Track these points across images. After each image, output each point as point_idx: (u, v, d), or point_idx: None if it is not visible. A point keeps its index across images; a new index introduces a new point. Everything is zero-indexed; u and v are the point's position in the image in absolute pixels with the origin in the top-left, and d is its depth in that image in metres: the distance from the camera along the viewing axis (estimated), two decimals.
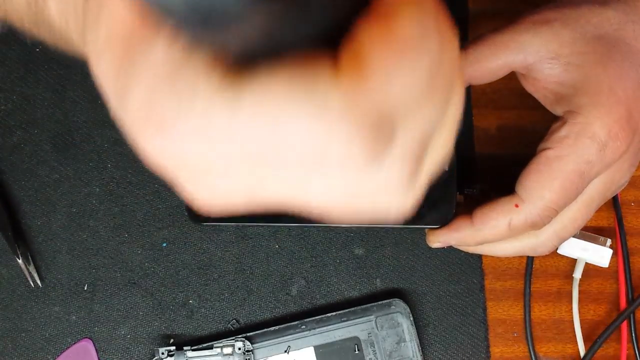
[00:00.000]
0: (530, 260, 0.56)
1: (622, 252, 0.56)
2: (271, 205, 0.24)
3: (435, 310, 0.57)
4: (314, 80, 0.21)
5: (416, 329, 0.55)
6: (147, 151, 0.22)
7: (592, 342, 0.55)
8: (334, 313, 0.55)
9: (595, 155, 0.43)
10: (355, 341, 0.54)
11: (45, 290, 0.56)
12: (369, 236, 0.57)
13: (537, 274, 0.57)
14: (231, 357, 0.54)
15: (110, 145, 0.58)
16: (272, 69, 0.21)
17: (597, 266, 0.56)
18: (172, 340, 0.56)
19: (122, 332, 0.56)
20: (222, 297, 0.57)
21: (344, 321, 0.55)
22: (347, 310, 0.55)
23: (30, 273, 0.56)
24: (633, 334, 0.55)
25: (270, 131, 0.21)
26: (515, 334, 0.56)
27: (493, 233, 0.47)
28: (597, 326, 0.56)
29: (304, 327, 0.55)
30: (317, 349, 0.54)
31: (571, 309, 0.56)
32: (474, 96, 0.58)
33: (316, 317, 0.55)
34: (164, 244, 0.57)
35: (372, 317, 0.55)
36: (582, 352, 0.55)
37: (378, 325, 0.55)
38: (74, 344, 0.56)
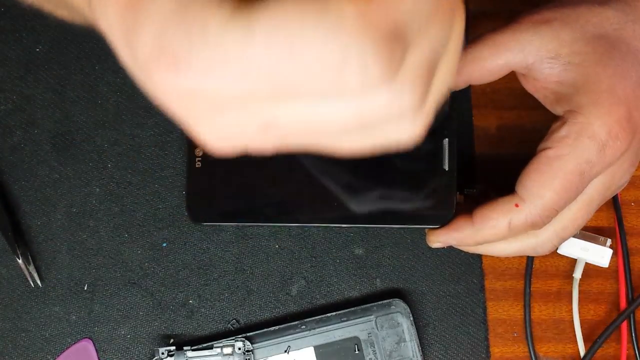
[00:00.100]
0: (530, 260, 0.56)
1: (622, 252, 0.56)
2: (285, 140, 0.24)
3: (435, 310, 0.57)
4: (327, 2, 0.21)
5: (416, 329, 0.55)
6: (161, 90, 0.22)
7: (592, 342, 0.55)
8: (334, 313, 0.55)
9: (595, 154, 0.43)
10: (355, 341, 0.54)
11: (45, 290, 0.56)
12: (369, 236, 0.57)
13: (537, 274, 0.57)
14: (231, 357, 0.54)
15: (110, 145, 0.58)
16: None
17: (597, 266, 0.56)
18: (172, 340, 0.56)
19: (122, 332, 0.56)
20: (222, 297, 0.57)
21: (344, 321, 0.55)
22: (347, 310, 0.55)
23: (30, 273, 0.56)
24: (633, 334, 0.55)
25: (286, 56, 0.21)
26: (515, 334, 0.56)
27: (493, 233, 0.47)
28: (597, 326, 0.56)
29: (304, 327, 0.55)
30: (317, 349, 0.54)
31: (571, 309, 0.56)
32: (474, 96, 0.58)
33: (316, 317, 0.55)
34: (164, 244, 0.57)
35: (372, 317, 0.55)
36: (582, 352, 0.55)
37: (378, 325, 0.55)
38: (74, 344, 0.56)
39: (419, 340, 0.55)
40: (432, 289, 0.57)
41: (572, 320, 0.56)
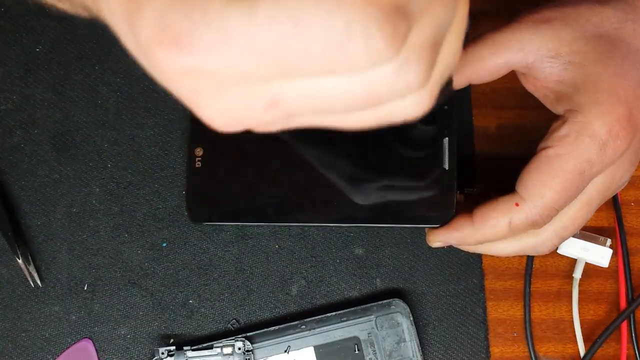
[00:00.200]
0: (530, 260, 0.56)
1: (622, 252, 0.56)
2: (291, 116, 0.24)
3: (435, 310, 0.57)
4: None
5: (416, 329, 0.54)
6: (163, 70, 0.22)
7: (592, 342, 0.55)
8: (334, 313, 0.55)
9: (595, 154, 0.43)
10: (355, 341, 0.54)
11: (45, 290, 0.56)
12: (369, 236, 0.57)
13: (537, 274, 0.57)
14: (231, 357, 0.54)
15: (110, 145, 0.58)
16: None
17: (597, 266, 0.56)
18: (172, 340, 0.56)
19: (122, 332, 0.56)
20: (222, 297, 0.57)
21: (344, 321, 0.55)
22: (347, 310, 0.55)
23: (30, 273, 0.56)
24: (633, 334, 0.55)
25: (290, 33, 0.21)
26: (515, 334, 0.56)
27: (493, 232, 0.47)
28: (597, 326, 0.56)
29: (304, 327, 0.55)
30: (317, 349, 0.54)
31: (571, 309, 0.56)
32: (474, 96, 0.58)
33: (316, 317, 0.55)
34: (164, 244, 0.57)
35: (372, 317, 0.55)
36: (582, 352, 0.55)
37: (378, 325, 0.55)
38: (74, 344, 0.56)
39: (419, 340, 0.55)
40: (432, 289, 0.57)
41: (572, 320, 0.56)
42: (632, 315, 0.55)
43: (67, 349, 0.56)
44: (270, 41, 0.21)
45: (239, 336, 0.54)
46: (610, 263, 0.55)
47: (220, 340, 0.54)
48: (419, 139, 0.52)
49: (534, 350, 0.56)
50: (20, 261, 0.55)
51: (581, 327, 0.55)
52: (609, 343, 0.56)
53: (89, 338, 0.56)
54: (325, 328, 0.54)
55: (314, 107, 0.24)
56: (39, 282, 0.56)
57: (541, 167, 0.45)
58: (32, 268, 0.56)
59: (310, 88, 0.23)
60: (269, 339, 0.54)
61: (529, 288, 0.56)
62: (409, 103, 0.25)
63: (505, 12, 0.58)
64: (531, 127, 0.57)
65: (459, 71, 0.47)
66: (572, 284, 0.56)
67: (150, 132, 0.58)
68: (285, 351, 0.54)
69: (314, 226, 0.57)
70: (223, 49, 0.21)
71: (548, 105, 0.47)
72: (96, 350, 0.56)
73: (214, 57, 0.21)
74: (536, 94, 0.48)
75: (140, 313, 0.56)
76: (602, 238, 0.55)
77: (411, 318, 0.54)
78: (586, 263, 0.56)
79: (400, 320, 0.54)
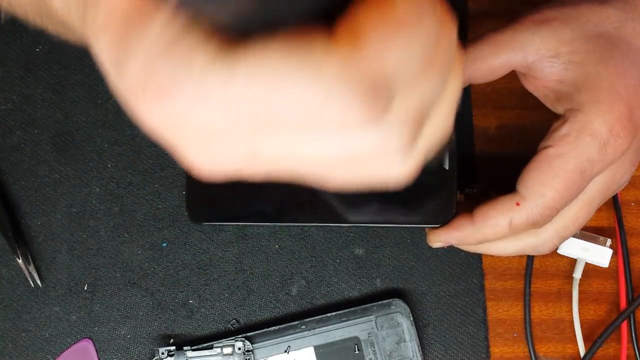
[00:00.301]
0: (530, 260, 0.56)
1: (622, 252, 0.56)
2: (272, 169, 0.24)
3: (435, 310, 0.56)
4: (310, 47, 0.21)
5: (416, 329, 0.54)
6: (145, 118, 0.23)
7: (592, 342, 0.55)
8: (334, 313, 0.55)
9: (596, 153, 0.43)
10: (355, 341, 0.54)
11: (45, 290, 0.56)
12: (369, 236, 0.57)
13: (537, 274, 0.57)
14: (231, 357, 0.54)
15: (110, 145, 0.58)
16: (267, 40, 0.21)
17: (597, 266, 0.56)
18: (172, 340, 0.56)
19: (122, 332, 0.56)
20: (222, 297, 0.57)
21: (344, 321, 0.55)
22: (347, 310, 0.55)
23: (30, 273, 0.56)
24: (633, 334, 0.55)
25: (266, 95, 0.21)
26: (515, 334, 0.56)
27: (494, 232, 0.47)
28: (597, 326, 0.56)
29: (304, 327, 0.55)
30: (317, 349, 0.54)
31: (571, 309, 0.56)
32: (474, 96, 0.58)
33: (316, 317, 0.55)
34: (164, 244, 0.57)
35: (372, 317, 0.55)
36: (582, 352, 0.55)
37: (378, 325, 0.55)
38: (74, 344, 0.56)
39: (419, 340, 0.55)
40: (432, 289, 0.57)
41: (572, 320, 0.56)
42: (632, 315, 0.55)
43: (67, 349, 0.56)
44: (247, 101, 0.22)
45: (239, 336, 0.54)
46: (610, 263, 0.55)
47: (220, 340, 0.54)
48: None
49: (534, 350, 0.56)
50: (20, 261, 0.55)
51: (581, 327, 0.55)
52: (609, 343, 0.56)
53: (89, 338, 0.56)
54: (325, 328, 0.54)
55: (293, 163, 0.24)
56: (39, 282, 0.56)
57: (542, 167, 0.45)
58: (32, 268, 0.56)
59: (289, 145, 0.23)
60: (269, 339, 0.54)
61: (529, 288, 0.56)
62: (392, 166, 0.25)
63: (505, 12, 0.59)
64: (531, 127, 0.57)
65: None
66: (572, 284, 0.56)
67: None
68: (285, 351, 0.54)
69: (314, 226, 0.57)
70: (202, 103, 0.22)
71: (548, 104, 0.47)
72: (96, 350, 0.56)
73: (194, 110, 0.22)
74: (536, 94, 0.48)
75: (140, 313, 0.56)
76: (602, 238, 0.55)
77: (411, 318, 0.54)
78: (586, 263, 0.56)
79: (400, 320, 0.54)
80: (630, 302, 0.55)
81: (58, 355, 0.56)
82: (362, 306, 0.55)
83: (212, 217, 0.53)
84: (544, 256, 0.57)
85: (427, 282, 0.57)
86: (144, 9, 0.22)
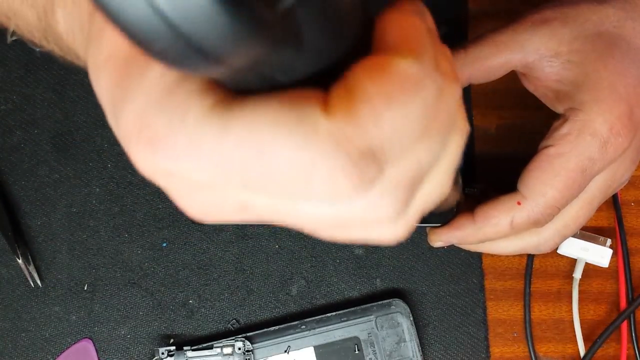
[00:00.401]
0: (530, 260, 0.56)
1: (622, 252, 0.56)
2: (263, 220, 0.24)
3: (435, 310, 0.57)
4: (303, 112, 0.21)
5: (416, 329, 0.54)
6: (139, 163, 0.23)
7: (592, 342, 0.55)
8: (334, 313, 0.55)
9: (597, 152, 0.43)
10: (355, 341, 0.54)
11: (45, 290, 0.56)
12: None
13: (537, 274, 0.57)
14: (231, 357, 0.54)
15: (110, 145, 0.58)
16: (263, 98, 0.21)
17: (597, 266, 0.56)
18: (172, 340, 0.56)
19: (122, 332, 0.56)
20: (222, 297, 0.57)
21: (344, 321, 0.55)
22: (347, 310, 0.55)
23: (30, 273, 0.56)
24: (633, 334, 0.55)
25: (256, 157, 0.21)
26: (515, 334, 0.56)
27: (495, 231, 0.47)
28: (597, 326, 0.56)
29: (304, 327, 0.55)
30: (317, 349, 0.54)
31: (571, 309, 0.56)
32: (474, 96, 0.58)
33: (316, 317, 0.55)
34: (164, 244, 0.57)
35: (372, 317, 0.55)
36: (582, 352, 0.55)
37: (378, 325, 0.55)
38: (74, 344, 0.56)
39: (419, 340, 0.55)
40: (432, 289, 0.57)
41: (572, 320, 0.56)
42: (632, 315, 0.55)
43: (67, 349, 0.56)
44: (237, 160, 0.21)
45: (239, 336, 0.54)
46: (610, 263, 0.55)
47: (220, 340, 0.54)
48: None
49: (534, 350, 0.56)
50: (20, 261, 0.55)
51: (581, 327, 0.55)
52: (609, 343, 0.56)
53: (89, 338, 0.56)
54: (325, 328, 0.54)
55: (283, 219, 0.24)
56: (39, 282, 0.56)
57: (543, 166, 0.45)
58: (32, 268, 0.56)
59: (278, 204, 0.23)
60: (269, 339, 0.54)
61: (529, 288, 0.56)
62: (384, 233, 0.25)
63: (505, 12, 0.59)
64: (531, 126, 0.57)
65: (459, 71, 0.47)
66: (572, 284, 0.56)
67: None
68: (285, 351, 0.54)
69: None
70: (194, 157, 0.22)
71: (548, 104, 0.47)
72: (96, 350, 0.56)
73: (185, 163, 0.22)
74: (536, 94, 0.48)
75: (140, 313, 0.56)
76: (602, 238, 0.55)
77: (411, 318, 0.54)
78: (586, 263, 0.56)
79: (400, 320, 0.54)
80: (630, 302, 0.55)
81: (58, 355, 0.56)
82: (362, 306, 0.55)
83: None
84: (543, 256, 0.57)
85: (427, 282, 0.57)
86: (143, 56, 0.22)
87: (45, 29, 0.32)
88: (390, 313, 0.55)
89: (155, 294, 0.56)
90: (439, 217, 0.51)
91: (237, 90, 0.22)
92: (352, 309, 0.55)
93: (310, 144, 0.21)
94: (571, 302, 0.56)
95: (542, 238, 0.48)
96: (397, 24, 0.23)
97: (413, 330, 0.54)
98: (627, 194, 0.57)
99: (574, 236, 0.54)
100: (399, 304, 0.55)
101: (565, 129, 0.44)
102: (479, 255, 0.57)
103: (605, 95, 0.43)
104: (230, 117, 0.21)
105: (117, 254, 0.57)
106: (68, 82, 0.58)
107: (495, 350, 0.56)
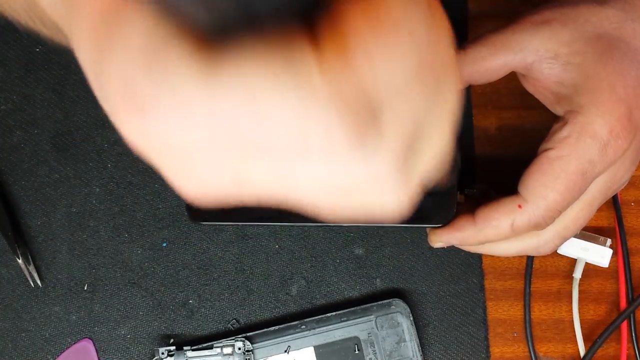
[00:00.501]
0: (530, 260, 0.56)
1: (622, 252, 0.56)
2: (262, 196, 0.23)
3: (435, 310, 0.57)
4: (293, 57, 0.20)
5: (416, 329, 0.54)
6: (127, 132, 0.22)
7: (592, 342, 0.55)
8: (334, 313, 0.55)
9: (597, 154, 0.43)
10: (355, 341, 0.54)
11: (45, 290, 0.56)
12: (369, 236, 0.57)
13: (537, 274, 0.57)
14: (231, 357, 0.54)
15: (110, 145, 0.58)
16: (248, 46, 0.20)
17: (597, 266, 0.56)
18: (172, 340, 0.56)
19: (122, 332, 0.56)
20: (222, 297, 0.57)
21: (344, 321, 0.55)
22: (347, 310, 0.55)
23: (30, 273, 0.56)
24: (633, 334, 0.55)
25: (249, 113, 0.20)
26: (515, 334, 0.56)
27: (495, 233, 0.47)
28: (597, 326, 0.56)
29: (304, 327, 0.55)
30: (317, 349, 0.54)
31: (571, 309, 0.56)
32: (474, 96, 0.58)
33: (316, 317, 0.55)
34: (164, 244, 0.57)
35: (372, 317, 0.55)
36: (582, 352, 0.55)
37: (378, 325, 0.55)
38: (74, 344, 0.56)
39: (419, 340, 0.55)
40: (432, 289, 0.57)
41: (572, 320, 0.56)
42: (632, 315, 0.55)
43: (67, 349, 0.56)
44: (230, 118, 0.20)
45: (239, 336, 0.54)
46: (610, 263, 0.55)
47: (220, 340, 0.54)
48: None
49: (534, 350, 0.56)
50: (20, 261, 0.55)
51: (581, 327, 0.55)
52: (609, 343, 0.56)
53: (89, 338, 0.56)
54: (325, 328, 0.54)
55: (282, 187, 0.23)
56: (39, 282, 0.56)
57: (543, 169, 0.44)
58: (32, 268, 0.56)
59: (275, 167, 0.22)
60: (269, 339, 0.54)
61: (529, 288, 0.56)
62: (386, 200, 0.24)
63: (505, 12, 0.58)
64: (531, 127, 0.57)
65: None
66: (572, 284, 0.56)
67: None
68: (285, 351, 0.54)
69: (314, 226, 0.57)
70: (183, 116, 0.21)
71: (548, 106, 0.47)
72: (96, 350, 0.56)
73: (175, 124, 0.21)
74: (536, 95, 0.48)
75: (140, 313, 0.56)
76: (602, 238, 0.55)
77: (411, 318, 0.54)
78: (586, 263, 0.56)
79: (400, 320, 0.54)
80: (630, 302, 0.55)
81: (58, 355, 0.56)
82: (362, 306, 0.55)
83: (212, 217, 0.53)
84: (544, 256, 0.57)
85: (427, 282, 0.57)
86: (121, 8, 0.21)
87: (29, 8, 0.31)
88: (390, 313, 0.55)
89: (155, 294, 0.56)
90: (438, 218, 0.51)
91: (216, 31, 0.20)
92: (352, 309, 0.55)
93: (305, 100, 0.20)
94: (571, 302, 0.56)
95: (542, 240, 0.48)
96: None
97: (413, 330, 0.54)
98: (627, 194, 0.57)
99: (574, 236, 0.54)
100: (399, 304, 0.55)
101: (565, 132, 0.44)
102: (478, 255, 0.57)
103: (604, 97, 0.43)
104: (219, 72, 0.20)
105: (117, 254, 0.57)
106: (68, 82, 0.58)
107: (495, 350, 0.56)
